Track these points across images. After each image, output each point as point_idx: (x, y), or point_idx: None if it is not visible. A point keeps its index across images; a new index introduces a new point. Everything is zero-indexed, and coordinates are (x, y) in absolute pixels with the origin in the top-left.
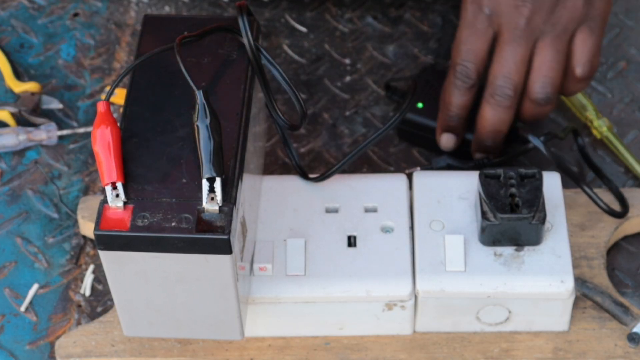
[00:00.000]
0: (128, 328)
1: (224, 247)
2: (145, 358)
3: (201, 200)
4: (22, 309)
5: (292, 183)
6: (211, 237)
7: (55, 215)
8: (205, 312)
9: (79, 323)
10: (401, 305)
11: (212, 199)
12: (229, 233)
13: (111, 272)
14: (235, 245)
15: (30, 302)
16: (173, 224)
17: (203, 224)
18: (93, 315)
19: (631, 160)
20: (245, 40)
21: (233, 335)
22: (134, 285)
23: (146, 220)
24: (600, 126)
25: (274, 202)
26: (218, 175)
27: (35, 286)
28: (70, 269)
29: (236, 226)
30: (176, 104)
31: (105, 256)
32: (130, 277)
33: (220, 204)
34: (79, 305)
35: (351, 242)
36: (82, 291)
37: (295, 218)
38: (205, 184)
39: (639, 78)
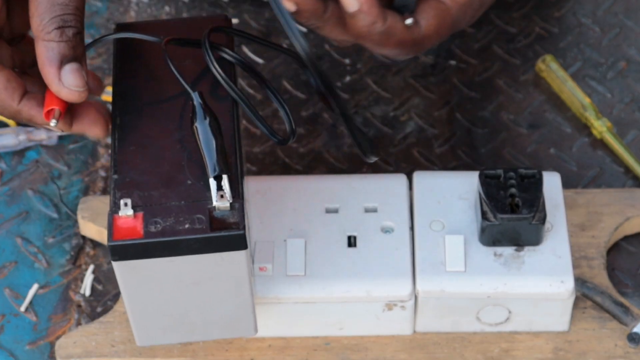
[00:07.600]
0: (142, 338)
1: (240, 243)
2: (145, 358)
3: (210, 200)
4: (22, 309)
5: (292, 183)
6: (227, 234)
7: (55, 215)
8: (220, 311)
9: (79, 323)
10: (401, 305)
11: (222, 196)
12: (243, 228)
13: (126, 282)
14: (249, 239)
15: (30, 302)
16: (187, 225)
17: (217, 222)
18: (93, 316)
19: (631, 160)
20: (215, 73)
21: (247, 331)
22: (149, 294)
23: (159, 225)
24: (600, 126)
25: (274, 202)
26: (225, 173)
27: (35, 286)
28: (70, 269)
29: (248, 221)
30: (166, 107)
31: (120, 267)
32: (145, 286)
33: (230, 201)
34: (79, 306)
35: (351, 242)
36: (82, 291)
37: (295, 218)
38: (213, 183)
39: (639, 78)
